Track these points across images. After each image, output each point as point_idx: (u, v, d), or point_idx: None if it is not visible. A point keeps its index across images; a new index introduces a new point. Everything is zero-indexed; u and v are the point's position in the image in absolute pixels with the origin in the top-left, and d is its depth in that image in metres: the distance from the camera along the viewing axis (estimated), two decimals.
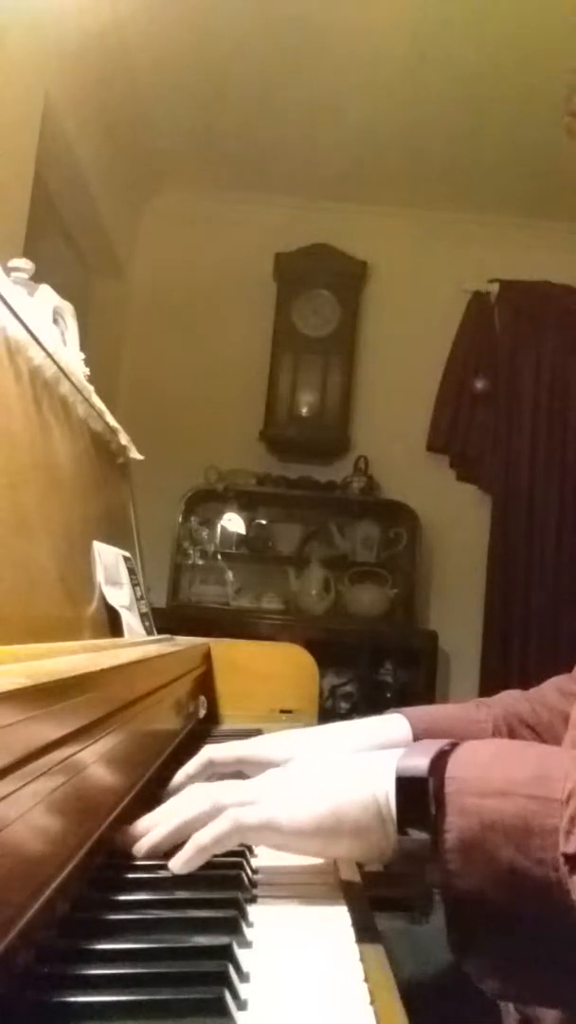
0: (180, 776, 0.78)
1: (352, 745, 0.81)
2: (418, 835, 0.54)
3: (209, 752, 0.80)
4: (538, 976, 0.51)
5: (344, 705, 3.46)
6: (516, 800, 0.50)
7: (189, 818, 0.61)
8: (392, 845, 0.56)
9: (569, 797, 0.49)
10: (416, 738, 0.82)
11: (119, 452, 1.30)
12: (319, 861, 0.67)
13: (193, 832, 0.59)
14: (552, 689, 0.90)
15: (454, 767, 0.54)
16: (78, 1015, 0.41)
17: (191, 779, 0.78)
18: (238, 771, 0.80)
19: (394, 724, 0.84)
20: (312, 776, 0.62)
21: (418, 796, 0.54)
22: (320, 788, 0.60)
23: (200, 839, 0.57)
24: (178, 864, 0.57)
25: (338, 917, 0.55)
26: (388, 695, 3.39)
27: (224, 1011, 0.41)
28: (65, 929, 0.49)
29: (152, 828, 0.62)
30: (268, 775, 0.64)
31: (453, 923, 0.52)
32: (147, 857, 0.61)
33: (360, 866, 0.66)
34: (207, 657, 1.40)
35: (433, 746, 0.57)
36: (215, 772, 0.79)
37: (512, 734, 0.86)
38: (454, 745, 0.57)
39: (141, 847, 0.61)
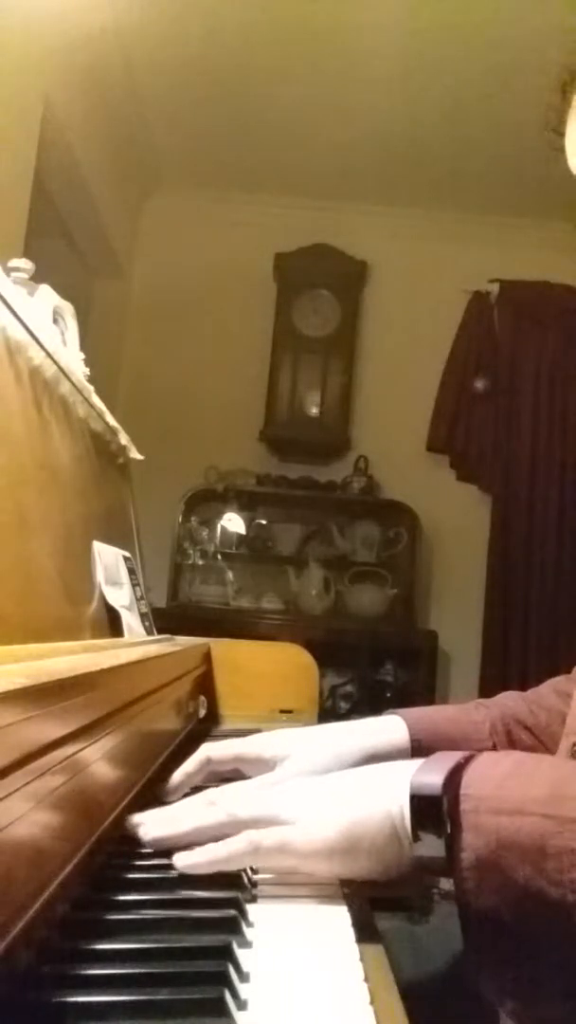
0: (179, 775, 0.78)
1: (349, 746, 0.81)
2: (432, 850, 0.53)
3: (207, 750, 0.80)
4: (559, 996, 0.51)
5: (344, 705, 3.46)
6: (532, 819, 0.50)
7: (205, 825, 0.61)
8: (408, 862, 0.56)
9: None
10: (413, 740, 0.82)
11: (119, 452, 1.30)
12: None
13: (206, 840, 0.59)
14: (550, 690, 0.90)
15: (468, 783, 0.53)
16: (78, 1015, 0.41)
17: (189, 777, 0.78)
18: (235, 769, 0.80)
19: (391, 725, 0.83)
20: (328, 794, 0.62)
21: (432, 813, 0.53)
22: (336, 808, 0.59)
23: (217, 852, 0.57)
24: (187, 863, 0.57)
25: (338, 917, 0.55)
26: (388, 695, 3.39)
27: (224, 1011, 0.41)
28: (65, 929, 0.49)
29: (167, 822, 0.62)
30: (285, 791, 0.63)
31: (469, 942, 0.52)
32: (153, 846, 0.61)
33: None
34: (207, 657, 1.40)
35: (448, 760, 0.56)
36: (213, 770, 0.79)
37: (509, 736, 0.85)
38: (468, 759, 0.56)
39: (149, 832, 0.62)
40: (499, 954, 0.51)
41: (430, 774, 0.55)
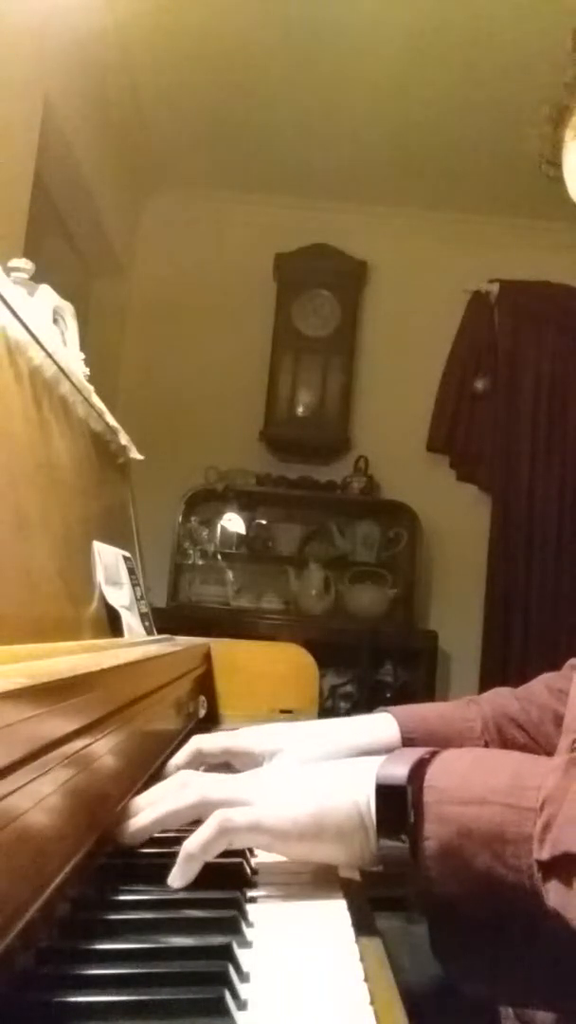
0: (170, 767, 0.79)
1: (339, 742, 0.82)
2: (396, 839, 0.55)
3: (197, 742, 0.81)
4: (519, 979, 0.52)
5: (344, 705, 3.46)
6: (492, 808, 0.51)
7: (174, 809, 0.62)
8: (373, 851, 0.57)
9: (543, 805, 0.50)
10: (405, 738, 0.83)
11: (119, 452, 1.30)
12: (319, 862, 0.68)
13: (178, 822, 0.61)
14: (542, 687, 0.90)
15: (433, 776, 0.55)
16: (78, 1015, 0.41)
17: (180, 769, 0.78)
18: (225, 762, 0.81)
19: (382, 723, 0.84)
20: (298, 780, 0.63)
21: (397, 804, 0.55)
22: (305, 793, 0.61)
23: (189, 848, 0.57)
24: (176, 880, 0.57)
25: (338, 917, 0.55)
26: (388, 695, 3.39)
27: (224, 1011, 0.41)
28: (65, 929, 0.49)
29: (142, 811, 0.63)
30: (257, 775, 0.65)
31: (434, 929, 0.53)
32: (132, 841, 0.62)
33: None
34: (207, 657, 1.40)
35: (413, 754, 0.57)
36: (204, 762, 0.80)
37: (501, 733, 0.86)
38: (434, 754, 0.57)
39: (126, 829, 0.62)
40: (461, 939, 0.53)
41: (396, 766, 0.56)
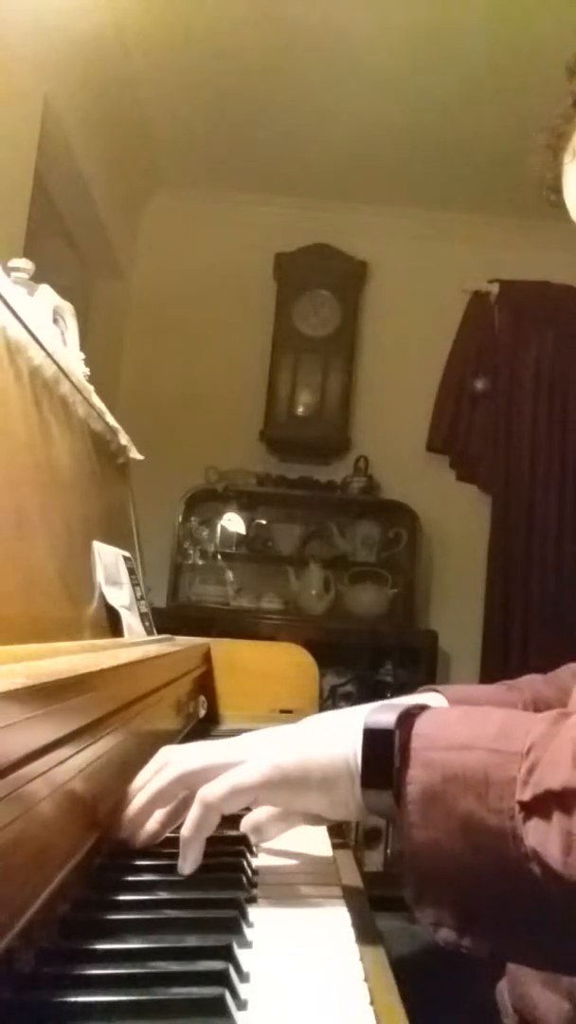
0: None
1: None
2: (381, 785, 0.55)
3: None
4: (492, 927, 0.52)
5: (344, 705, 3.46)
6: (478, 753, 0.51)
7: (158, 790, 0.63)
8: (358, 801, 0.57)
9: (529, 750, 0.50)
10: None
11: (119, 452, 1.30)
12: (319, 862, 0.68)
13: (163, 804, 0.63)
14: (568, 673, 0.92)
15: (421, 724, 0.55)
16: (78, 1015, 0.41)
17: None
18: None
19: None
20: (286, 731, 0.64)
21: (384, 750, 0.55)
22: (292, 742, 0.62)
23: (184, 834, 0.59)
24: (185, 867, 0.58)
25: (338, 917, 0.55)
26: (388, 695, 3.38)
27: (224, 1011, 0.41)
28: (65, 929, 0.49)
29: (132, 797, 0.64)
30: (237, 738, 0.65)
31: (410, 874, 0.53)
32: (127, 834, 0.63)
33: (360, 866, 0.66)
34: (207, 657, 1.40)
35: (402, 705, 0.58)
36: None
37: None
38: (423, 707, 0.58)
39: (122, 821, 0.63)
40: (439, 886, 0.52)
41: (385, 714, 0.57)
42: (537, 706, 0.87)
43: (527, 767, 0.49)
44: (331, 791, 0.59)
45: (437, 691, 0.87)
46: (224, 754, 0.62)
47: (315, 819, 0.64)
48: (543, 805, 0.48)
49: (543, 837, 0.47)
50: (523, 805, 0.49)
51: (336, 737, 0.59)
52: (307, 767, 0.59)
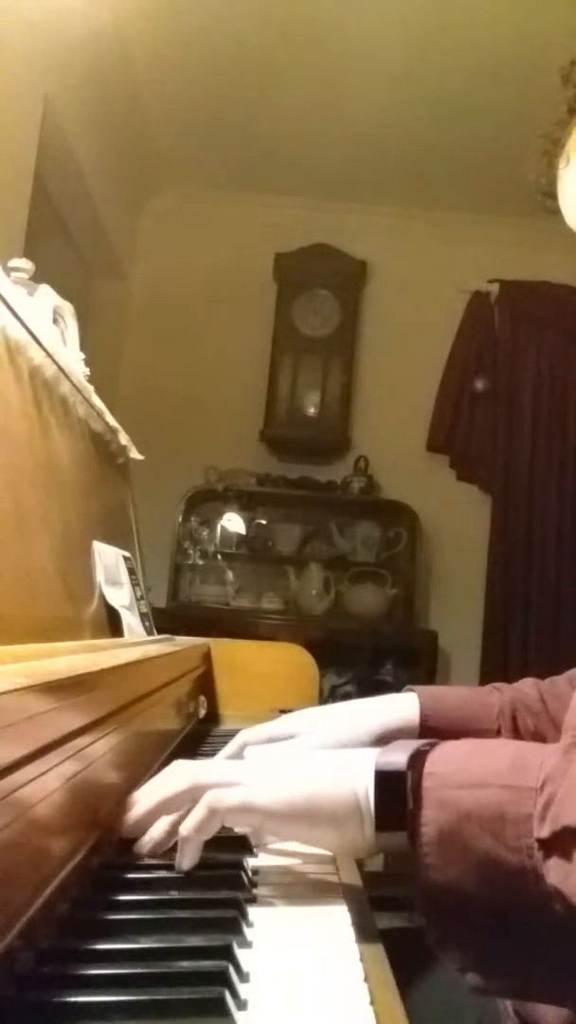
0: (220, 758, 0.83)
1: (366, 721, 0.85)
2: (395, 826, 0.55)
3: (244, 736, 0.84)
4: (518, 970, 0.52)
5: None
6: (492, 791, 0.51)
7: (167, 797, 0.62)
8: (368, 840, 0.57)
9: (543, 785, 0.50)
10: (422, 716, 0.85)
11: (119, 452, 1.30)
12: (319, 862, 0.68)
13: (170, 810, 0.62)
14: (565, 680, 0.92)
15: (432, 763, 0.55)
16: (78, 1015, 0.41)
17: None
18: None
19: (406, 702, 0.87)
20: (296, 763, 0.64)
21: (397, 791, 0.55)
22: (301, 775, 0.61)
23: (182, 832, 0.58)
24: (183, 863, 0.58)
25: (338, 917, 0.55)
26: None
27: (224, 1011, 0.41)
28: (65, 929, 0.49)
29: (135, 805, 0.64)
30: (253, 760, 0.65)
31: (431, 917, 0.52)
32: (130, 832, 0.63)
33: (360, 866, 0.66)
34: (207, 657, 1.40)
35: (412, 744, 0.58)
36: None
37: (515, 720, 0.87)
38: (433, 744, 0.58)
39: (125, 822, 0.63)
40: (460, 927, 0.52)
41: (396, 754, 0.57)
42: (514, 707, 0.87)
43: (543, 803, 0.49)
44: (340, 830, 0.58)
45: (414, 691, 0.88)
46: (237, 772, 0.62)
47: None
48: (562, 842, 0.47)
49: (564, 875, 0.47)
50: (541, 843, 0.48)
51: (345, 774, 0.59)
52: (316, 804, 0.58)
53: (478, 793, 0.51)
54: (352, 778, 0.58)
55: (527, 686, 0.92)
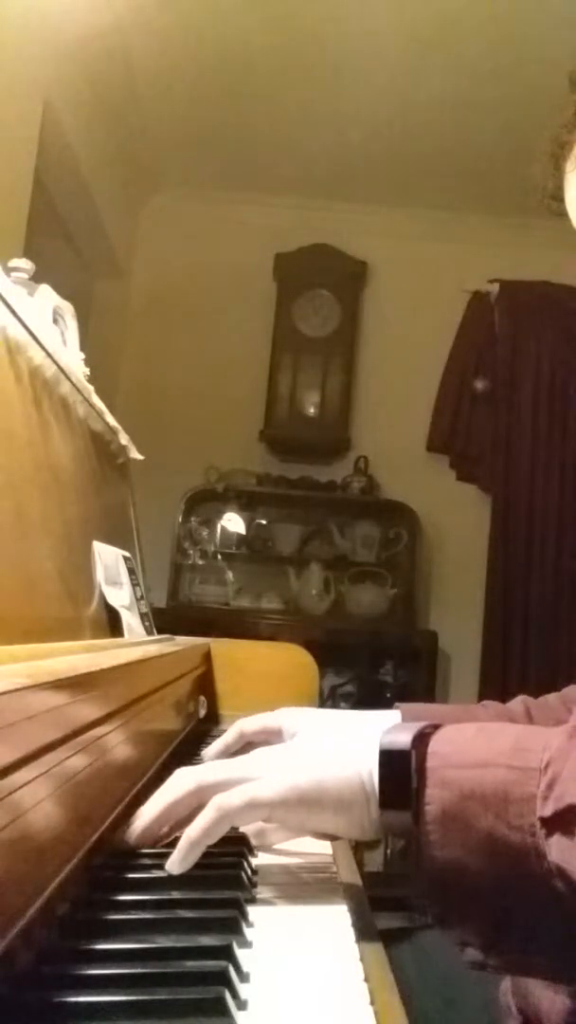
0: (218, 744, 0.83)
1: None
2: (398, 805, 0.55)
3: (241, 724, 0.85)
4: (517, 945, 0.52)
5: (344, 705, 3.46)
6: (496, 770, 0.51)
7: (173, 800, 0.62)
8: (374, 821, 0.57)
9: (547, 765, 0.50)
10: None
11: (119, 452, 1.30)
12: (319, 861, 0.68)
13: (178, 814, 0.62)
14: (557, 698, 0.92)
15: (436, 743, 0.55)
16: (78, 1015, 0.41)
17: (228, 747, 0.83)
18: (266, 740, 0.83)
19: (390, 718, 0.86)
20: (300, 749, 0.64)
21: (400, 770, 0.55)
22: (305, 761, 0.62)
23: (190, 834, 0.58)
24: (174, 864, 0.57)
25: (338, 917, 0.55)
26: (388, 695, 3.39)
27: (224, 1011, 0.41)
28: (65, 929, 0.49)
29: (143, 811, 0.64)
30: (260, 750, 0.65)
31: (432, 894, 0.53)
32: (138, 841, 0.62)
33: (360, 866, 0.66)
34: (207, 657, 1.40)
35: (416, 725, 0.58)
36: (248, 741, 0.84)
37: None
38: (436, 726, 0.58)
39: (132, 832, 0.63)
40: (462, 905, 0.52)
41: (400, 734, 0.57)
42: (500, 720, 0.87)
43: (546, 783, 0.49)
44: (347, 812, 0.58)
45: (399, 708, 0.87)
46: (241, 769, 0.62)
47: (324, 835, 0.64)
48: (565, 821, 0.48)
49: (566, 853, 0.47)
50: (544, 821, 0.49)
51: (349, 757, 0.59)
52: (322, 787, 0.59)
53: (482, 773, 0.52)
54: (357, 760, 0.59)
55: (516, 702, 0.92)
